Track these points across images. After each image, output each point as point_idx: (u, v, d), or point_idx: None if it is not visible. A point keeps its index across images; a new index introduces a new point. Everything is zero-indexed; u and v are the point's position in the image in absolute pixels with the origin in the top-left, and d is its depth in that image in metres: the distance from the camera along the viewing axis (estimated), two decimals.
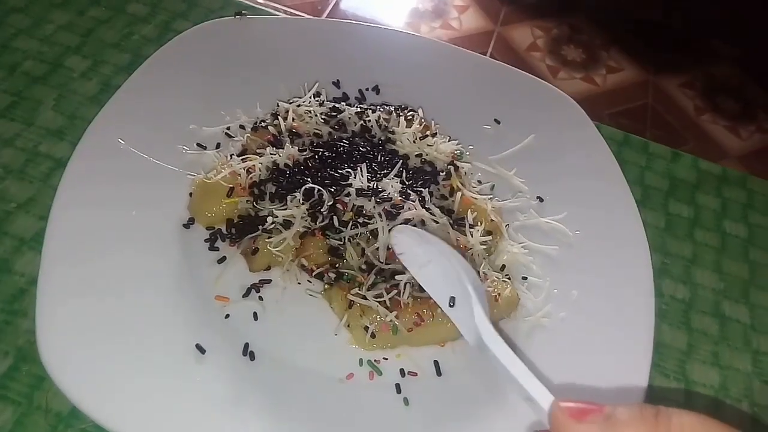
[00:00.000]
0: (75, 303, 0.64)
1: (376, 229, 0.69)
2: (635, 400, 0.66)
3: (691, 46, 1.31)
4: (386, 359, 0.68)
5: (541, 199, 0.83)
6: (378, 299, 0.67)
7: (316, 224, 0.71)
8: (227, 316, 0.68)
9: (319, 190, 0.72)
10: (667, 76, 1.20)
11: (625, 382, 0.67)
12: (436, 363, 0.68)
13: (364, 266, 0.70)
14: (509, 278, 0.75)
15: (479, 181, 0.84)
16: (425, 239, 0.66)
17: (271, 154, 0.76)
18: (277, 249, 0.71)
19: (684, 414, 0.36)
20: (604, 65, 1.21)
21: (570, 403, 0.39)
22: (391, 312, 0.67)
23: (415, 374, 0.67)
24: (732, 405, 0.73)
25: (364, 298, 0.67)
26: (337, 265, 0.71)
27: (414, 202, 0.71)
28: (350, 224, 0.70)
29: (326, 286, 0.71)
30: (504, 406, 0.64)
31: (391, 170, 0.76)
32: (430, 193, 0.76)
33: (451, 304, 0.61)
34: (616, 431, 0.36)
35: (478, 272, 0.71)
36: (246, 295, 0.70)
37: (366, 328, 0.67)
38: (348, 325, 0.69)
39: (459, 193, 0.76)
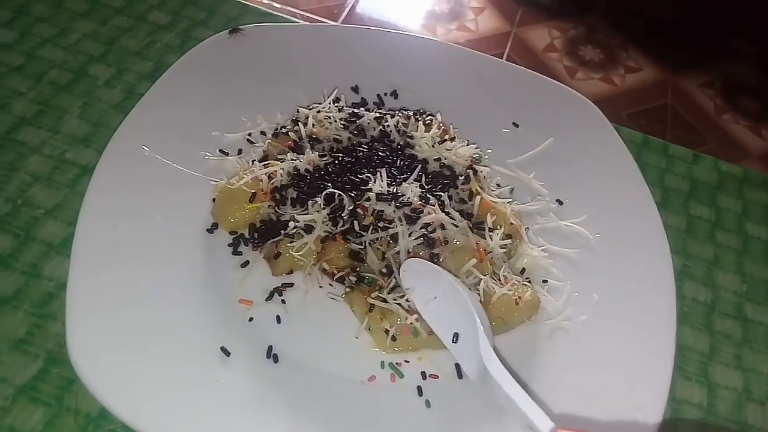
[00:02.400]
0: (103, 307, 0.66)
1: (396, 233, 0.70)
2: (658, 405, 0.66)
3: (710, 45, 1.30)
4: (407, 362, 0.69)
5: (560, 202, 0.84)
6: (398, 302, 0.68)
7: (336, 229, 0.72)
8: (251, 319, 0.69)
9: (339, 194, 0.73)
10: (686, 76, 1.19)
11: (647, 386, 0.67)
12: (457, 366, 0.68)
13: (384, 270, 0.71)
14: (529, 281, 0.75)
15: (498, 185, 0.85)
16: (432, 273, 0.67)
17: (292, 159, 0.77)
18: (298, 253, 0.72)
19: None
20: (623, 65, 1.20)
21: None
22: (411, 315, 0.67)
23: (437, 377, 0.68)
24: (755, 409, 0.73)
25: (385, 301, 0.68)
26: (357, 269, 0.72)
27: (433, 206, 0.72)
28: (370, 228, 0.71)
29: (347, 290, 0.72)
30: None
31: (411, 175, 0.77)
32: (450, 197, 0.76)
33: (455, 340, 0.64)
34: None
35: (498, 276, 0.72)
36: (269, 298, 0.71)
37: (387, 331, 0.68)
38: (369, 328, 0.69)
39: (478, 197, 0.77)
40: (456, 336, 0.65)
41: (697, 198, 0.93)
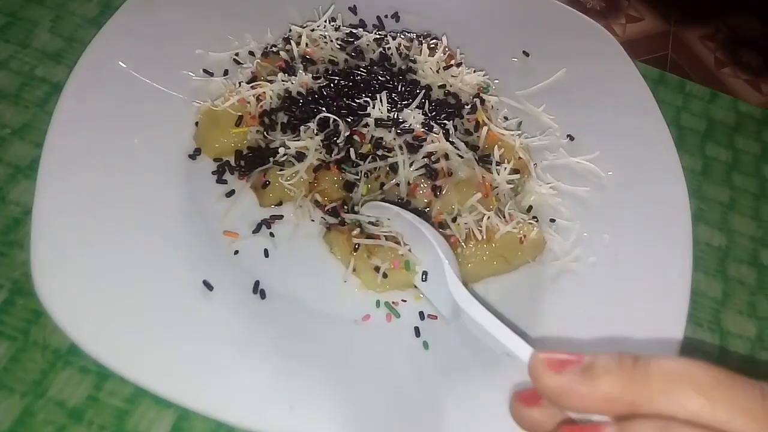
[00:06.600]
0: (73, 235, 0.60)
1: (396, 162, 0.64)
2: (669, 351, 0.62)
3: None
4: (404, 301, 0.64)
5: (571, 138, 0.78)
6: (386, 233, 0.62)
7: (331, 157, 0.66)
8: (236, 252, 0.64)
9: (334, 120, 0.67)
10: (688, 27, 1.13)
11: (659, 333, 0.63)
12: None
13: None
14: (536, 220, 0.70)
15: (505, 118, 0.78)
16: (391, 213, 0.62)
17: (282, 81, 0.71)
18: (289, 183, 0.66)
19: (665, 360, 0.34)
20: (624, 14, 1.13)
21: (549, 354, 0.38)
22: (402, 246, 0.62)
23: (435, 317, 0.63)
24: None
25: (371, 237, 0.63)
26: (352, 202, 0.66)
27: (437, 134, 0.66)
28: (368, 157, 0.65)
29: (325, 231, 0.66)
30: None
31: (413, 101, 0.70)
32: (454, 127, 0.70)
33: (424, 278, 0.61)
34: (593, 382, 0.35)
35: (503, 213, 0.67)
36: (256, 231, 0.66)
37: (377, 269, 0.63)
38: (354, 270, 0.64)
39: (485, 128, 0.71)
40: (425, 274, 0.61)
41: (714, 138, 0.88)
